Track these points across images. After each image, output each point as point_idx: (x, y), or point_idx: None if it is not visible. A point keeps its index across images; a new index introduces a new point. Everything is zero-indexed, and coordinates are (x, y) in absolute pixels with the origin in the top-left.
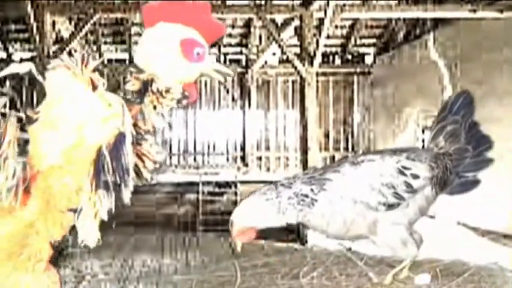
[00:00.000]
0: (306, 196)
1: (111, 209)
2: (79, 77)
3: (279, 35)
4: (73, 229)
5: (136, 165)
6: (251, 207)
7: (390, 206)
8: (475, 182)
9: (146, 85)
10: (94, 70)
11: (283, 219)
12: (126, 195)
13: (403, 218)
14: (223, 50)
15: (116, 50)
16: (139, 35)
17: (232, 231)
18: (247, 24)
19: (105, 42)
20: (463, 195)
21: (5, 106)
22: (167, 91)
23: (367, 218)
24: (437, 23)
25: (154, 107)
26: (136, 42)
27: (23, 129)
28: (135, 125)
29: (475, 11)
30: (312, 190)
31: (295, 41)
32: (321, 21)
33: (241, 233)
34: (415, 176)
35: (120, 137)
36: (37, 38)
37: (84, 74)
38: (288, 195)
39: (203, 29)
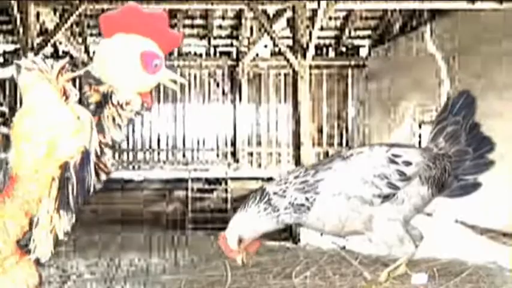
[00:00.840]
0: (302, 205)
1: (68, 230)
2: (53, 84)
3: (271, 27)
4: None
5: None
6: (251, 220)
7: (385, 197)
8: (476, 185)
9: (106, 97)
10: (68, 80)
11: (281, 225)
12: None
13: (398, 214)
14: (213, 42)
15: None
16: None
17: (239, 247)
18: (238, 15)
19: (91, 34)
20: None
21: None
22: (127, 103)
23: (362, 213)
24: (434, 14)
25: (113, 119)
26: None
27: (5, 124)
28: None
29: (473, 1)
30: (307, 199)
31: (287, 32)
32: (314, 12)
33: (249, 246)
34: (407, 163)
35: (86, 156)
36: (21, 30)
37: (59, 83)
38: (284, 206)
39: (160, 39)
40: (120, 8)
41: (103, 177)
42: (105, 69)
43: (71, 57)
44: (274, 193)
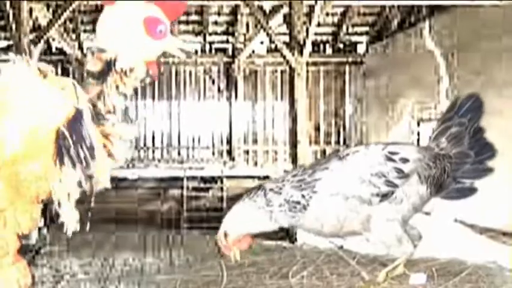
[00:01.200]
0: (298, 203)
1: (81, 181)
2: (27, 68)
3: (267, 23)
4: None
5: (105, 146)
6: (243, 215)
7: (384, 196)
8: (472, 190)
9: (109, 65)
10: (40, 59)
11: (275, 224)
12: (95, 168)
13: (396, 213)
14: (208, 38)
15: None
16: None
17: (227, 242)
18: (234, 11)
19: (85, 31)
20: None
21: None
22: (131, 70)
23: (361, 213)
24: (433, 10)
25: (117, 87)
26: None
27: None
28: (94, 106)
29: None
30: (303, 196)
31: (284, 29)
32: (311, 8)
33: (237, 241)
34: (405, 160)
35: (77, 114)
36: (13, 26)
37: (31, 65)
38: (278, 203)
39: (164, 5)
40: None
41: (118, 144)
42: (108, 37)
43: (64, 54)
44: (271, 189)
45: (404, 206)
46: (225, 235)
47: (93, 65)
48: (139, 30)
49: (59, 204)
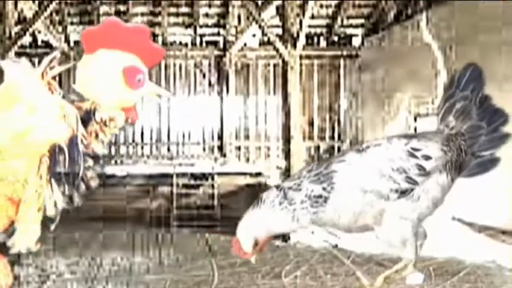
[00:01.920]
0: (320, 196)
1: (56, 202)
2: (38, 78)
3: (260, 15)
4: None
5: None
6: (266, 218)
7: (403, 193)
8: (494, 161)
9: (89, 114)
10: (54, 78)
11: (296, 225)
12: (76, 196)
13: (412, 212)
14: (199, 31)
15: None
16: (108, 14)
17: (255, 249)
18: (225, 3)
19: (72, 23)
20: (482, 175)
21: None
22: (111, 120)
23: (375, 207)
24: (430, 2)
25: (96, 135)
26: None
27: None
28: (86, 146)
29: None
30: (324, 189)
31: (277, 21)
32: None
33: (263, 246)
34: (427, 157)
35: (75, 139)
36: None
37: (44, 78)
38: (300, 199)
39: (143, 54)
40: (102, 23)
41: (82, 188)
42: (88, 86)
43: (51, 46)
44: (289, 188)
45: (423, 203)
46: (256, 243)
47: None
48: (118, 81)
49: (24, 207)
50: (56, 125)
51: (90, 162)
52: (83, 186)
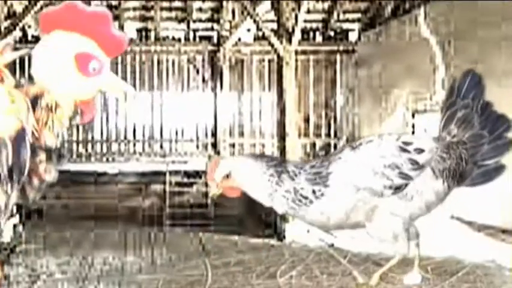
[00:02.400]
0: (305, 198)
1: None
2: None
3: (254, 10)
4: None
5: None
6: (253, 171)
7: (397, 188)
8: (499, 169)
9: (36, 99)
10: (7, 65)
11: (269, 204)
12: (15, 194)
13: (404, 210)
14: (192, 25)
15: None
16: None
17: (222, 181)
18: None
19: None
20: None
21: None
22: (57, 107)
23: (368, 204)
24: None
25: (45, 123)
26: None
27: None
28: (36, 139)
29: None
30: (313, 192)
31: (272, 16)
32: None
33: (230, 188)
34: (420, 150)
35: (22, 132)
36: None
37: None
38: (286, 188)
39: (102, 41)
40: (61, 4)
41: (35, 183)
42: (40, 69)
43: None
44: (287, 171)
45: (415, 203)
46: (227, 176)
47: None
48: (70, 66)
49: None
50: (2, 117)
51: (42, 155)
52: (35, 181)
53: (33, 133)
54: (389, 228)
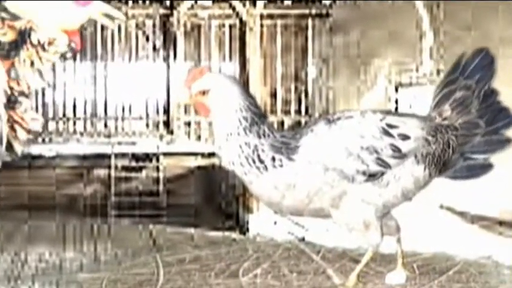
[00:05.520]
0: (261, 161)
1: None
2: None
3: None
4: None
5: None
6: (229, 103)
7: (372, 176)
8: (486, 167)
9: (23, 35)
10: None
11: (223, 144)
12: None
13: (377, 197)
14: None
15: None
16: None
17: (200, 85)
18: None
19: None
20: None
21: None
22: (50, 43)
23: (336, 188)
24: None
25: (32, 63)
26: None
27: None
28: (11, 89)
29: None
30: (273, 159)
31: None
32: None
33: (202, 104)
34: (405, 137)
35: None
36: None
37: None
38: (246, 141)
39: None
40: None
41: (22, 135)
42: (24, 1)
43: None
44: (259, 126)
45: (391, 191)
46: (205, 92)
47: (2, 34)
48: None
49: None
50: None
51: (26, 103)
52: (22, 134)
53: (11, 88)
54: (360, 216)
